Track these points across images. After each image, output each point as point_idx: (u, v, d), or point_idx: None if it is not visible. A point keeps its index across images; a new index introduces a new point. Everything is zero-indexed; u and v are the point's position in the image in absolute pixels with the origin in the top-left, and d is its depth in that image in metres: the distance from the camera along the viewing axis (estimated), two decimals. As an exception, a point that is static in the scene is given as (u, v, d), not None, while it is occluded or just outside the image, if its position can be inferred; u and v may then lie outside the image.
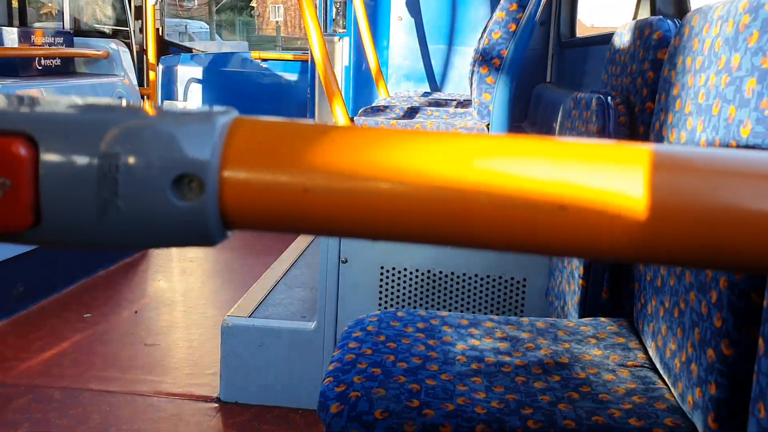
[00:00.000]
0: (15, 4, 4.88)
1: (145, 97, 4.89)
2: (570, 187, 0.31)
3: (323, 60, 2.45)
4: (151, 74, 4.88)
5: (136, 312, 3.19)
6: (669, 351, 1.21)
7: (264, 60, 5.93)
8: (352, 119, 2.74)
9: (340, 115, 2.48)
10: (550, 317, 1.65)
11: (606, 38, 2.15)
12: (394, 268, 2.24)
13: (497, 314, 2.16)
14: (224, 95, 5.93)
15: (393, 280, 2.25)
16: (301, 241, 3.33)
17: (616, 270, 1.59)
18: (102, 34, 5.35)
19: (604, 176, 0.32)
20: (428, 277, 2.24)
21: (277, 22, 28.12)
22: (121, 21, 5.75)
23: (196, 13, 27.21)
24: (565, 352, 1.37)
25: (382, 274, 2.26)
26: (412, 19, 4.07)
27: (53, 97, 0.36)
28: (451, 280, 2.23)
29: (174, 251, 4.19)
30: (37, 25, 6.42)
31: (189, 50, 6.57)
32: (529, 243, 0.32)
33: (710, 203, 0.32)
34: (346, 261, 2.26)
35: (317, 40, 2.47)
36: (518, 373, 1.28)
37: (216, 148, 0.33)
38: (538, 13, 2.71)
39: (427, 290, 2.25)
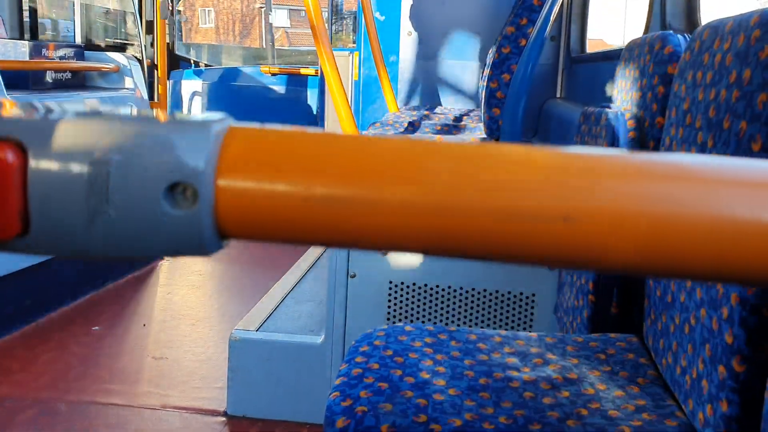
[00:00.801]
0: (26, 18, 4.92)
1: (155, 110, 4.90)
2: (574, 197, 0.31)
3: (333, 75, 2.46)
4: (161, 88, 4.90)
5: (144, 325, 3.19)
6: (679, 368, 1.19)
7: (273, 74, 5.96)
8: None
9: (349, 130, 2.48)
10: (559, 333, 1.63)
11: (616, 53, 2.15)
12: (402, 283, 2.23)
13: (506, 329, 2.15)
14: (233, 109, 5.96)
15: (401, 295, 2.24)
16: (309, 256, 3.33)
17: (626, 286, 1.58)
18: (113, 48, 5.38)
19: (610, 186, 0.31)
20: (437, 292, 2.23)
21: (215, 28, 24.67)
22: (132, 35, 5.80)
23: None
24: (574, 367, 1.36)
25: (390, 288, 2.25)
26: (422, 34, 4.08)
27: (43, 104, 0.36)
28: (460, 295, 2.22)
29: (182, 265, 4.19)
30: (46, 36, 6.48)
31: (197, 64, 6.62)
32: (534, 255, 0.31)
33: (718, 213, 0.32)
34: (354, 275, 2.25)
35: (327, 55, 2.47)
36: (526, 388, 1.27)
37: (211, 156, 0.33)
38: (548, 28, 2.71)
39: (436, 305, 2.24)
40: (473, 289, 2.21)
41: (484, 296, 2.21)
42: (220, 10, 25.94)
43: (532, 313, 2.20)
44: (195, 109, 6.03)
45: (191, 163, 0.33)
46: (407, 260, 2.23)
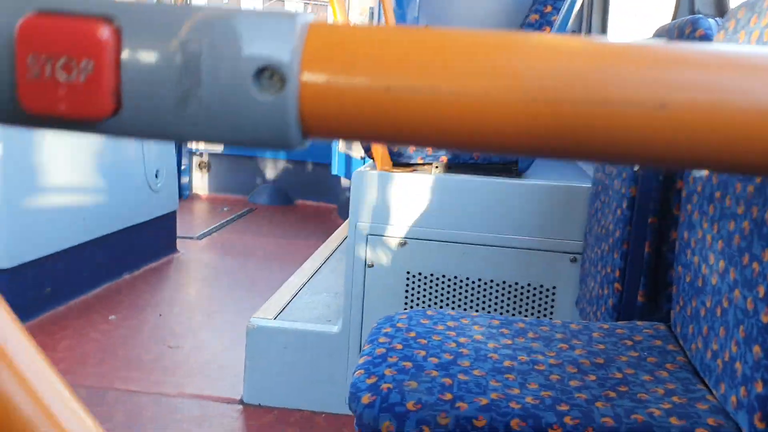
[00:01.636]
0: None
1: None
2: (670, 85, 0.29)
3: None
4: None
5: (160, 315, 3.19)
6: (710, 352, 1.17)
7: None
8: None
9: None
10: (584, 320, 1.61)
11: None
12: (420, 273, 2.22)
13: (526, 321, 2.13)
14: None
15: (419, 286, 2.23)
16: (325, 249, 3.32)
17: (652, 274, 1.55)
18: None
19: (705, 77, 0.30)
20: (455, 283, 2.21)
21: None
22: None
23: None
24: (601, 353, 1.34)
25: (408, 279, 2.23)
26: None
27: None
28: (478, 286, 2.20)
29: (196, 260, 4.20)
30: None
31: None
32: (632, 145, 0.30)
33: None
34: (372, 265, 2.24)
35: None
36: (552, 371, 1.25)
37: (297, 45, 0.33)
38: (570, 22, 2.70)
39: (453, 296, 2.22)
40: (491, 281, 2.19)
41: (504, 288, 2.19)
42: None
43: (552, 306, 2.18)
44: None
45: (279, 49, 0.33)
46: (425, 250, 2.22)
